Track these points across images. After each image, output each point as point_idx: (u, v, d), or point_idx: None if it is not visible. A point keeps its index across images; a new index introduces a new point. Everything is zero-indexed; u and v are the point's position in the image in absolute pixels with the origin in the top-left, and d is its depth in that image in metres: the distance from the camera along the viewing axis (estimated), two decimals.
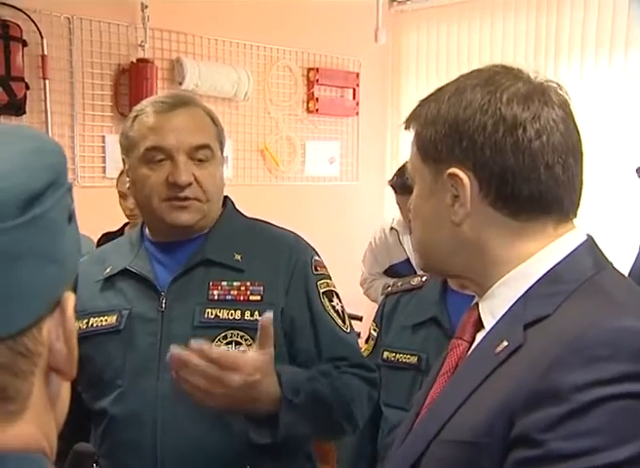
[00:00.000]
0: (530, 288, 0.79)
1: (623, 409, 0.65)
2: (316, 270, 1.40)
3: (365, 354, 1.63)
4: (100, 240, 2.60)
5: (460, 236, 0.82)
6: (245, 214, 1.48)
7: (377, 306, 1.76)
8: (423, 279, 1.63)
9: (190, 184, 1.30)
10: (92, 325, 1.33)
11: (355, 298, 3.10)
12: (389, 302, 1.66)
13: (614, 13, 3.56)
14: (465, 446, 0.74)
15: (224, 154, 1.41)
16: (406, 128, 0.88)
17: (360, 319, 3.30)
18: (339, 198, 4.26)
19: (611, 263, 0.82)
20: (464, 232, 0.82)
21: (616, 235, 3.36)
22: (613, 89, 3.59)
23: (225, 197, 1.43)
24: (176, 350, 1.09)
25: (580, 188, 0.83)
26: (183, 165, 1.29)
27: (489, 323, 0.83)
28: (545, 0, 3.79)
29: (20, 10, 2.95)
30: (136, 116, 1.33)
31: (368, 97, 4.31)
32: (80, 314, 1.31)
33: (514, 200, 0.79)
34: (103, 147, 3.29)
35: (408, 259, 3.03)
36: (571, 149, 0.81)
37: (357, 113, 4.28)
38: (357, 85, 4.24)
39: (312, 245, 1.46)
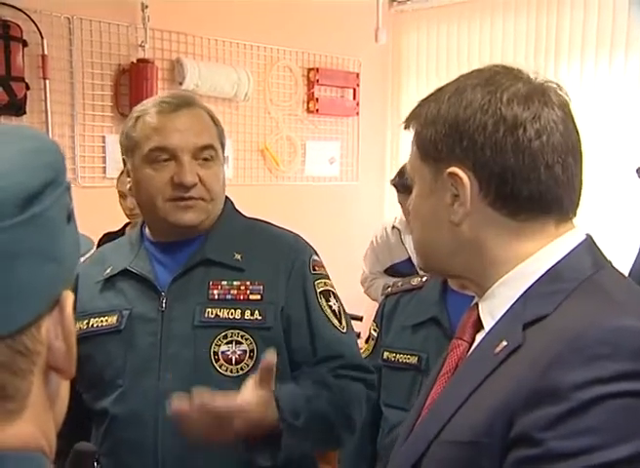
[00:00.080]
0: (529, 287, 0.79)
1: (623, 407, 0.65)
2: (314, 270, 1.40)
3: (365, 354, 1.63)
4: (101, 240, 2.60)
5: (460, 236, 0.82)
6: (245, 213, 1.48)
7: (377, 306, 1.76)
8: (423, 279, 1.63)
9: (195, 184, 1.30)
10: (92, 325, 1.34)
11: (355, 298, 3.09)
12: (389, 302, 1.67)
13: (614, 13, 3.56)
14: (465, 446, 0.74)
15: (225, 154, 1.42)
16: (405, 127, 0.88)
17: (360, 319, 3.30)
18: (339, 198, 4.26)
19: (610, 262, 0.82)
20: (464, 232, 0.82)
21: (616, 235, 3.36)
22: (613, 89, 3.59)
23: (225, 197, 1.43)
24: (176, 403, 1.09)
25: (580, 188, 0.83)
26: (188, 165, 1.30)
27: (488, 323, 0.83)
28: (545, 0, 3.79)
29: (20, 10, 2.95)
30: (138, 116, 1.33)
31: (368, 97, 4.32)
32: (80, 314, 1.32)
33: (514, 200, 0.79)
34: (104, 147, 3.29)
35: (409, 259, 3.03)
36: (570, 149, 0.81)
37: (357, 113, 4.28)
38: (357, 85, 4.25)
39: (312, 245, 1.47)
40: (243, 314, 1.31)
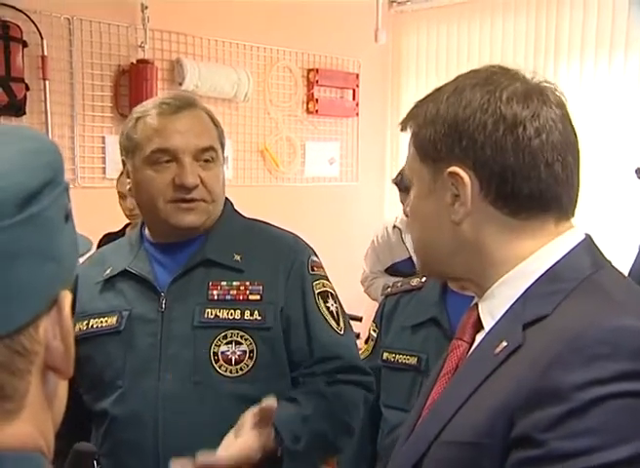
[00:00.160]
0: (529, 287, 0.79)
1: (623, 407, 0.65)
2: (312, 270, 1.40)
3: (365, 355, 1.63)
4: (101, 240, 2.60)
5: (460, 236, 0.82)
6: (245, 214, 1.48)
7: (376, 306, 1.76)
8: (423, 279, 1.62)
9: (196, 186, 1.31)
10: (92, 326, 1.34)
11: (355, 299, 3.10)
12: (389, 303, 1.66)
13: (613, 14, 3.56)
14: (466, 446, 0.74)
15: (225, 155, 1.42)
16: (402, 129, 0.88)
17: (360, 319, 3.30)
18: (338, 199, 4.26)
19: (609, 262, 0.82)
20: (464, 231, 0.82)
21: (615, 235, 3.37)
22: (612, 90, 3.60)
23: (224, 198, 1.43)
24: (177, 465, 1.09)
25: (578, 186, 0.83)
26: (190, 167, 1.30)
27: (488, 323, 0.83)
28: (545, 1, 3.79)
29: (20, 11, 2.95)
30: (138, 118, 1.33)
31: (368, 97, 4.32)
32: (80, 315, 1.32)
33: (514, 198, 0.79)
34: (103, 148, 3.29)
35: (410, 258, 3.03)
36: (569, 148, 0.81)
37: (357, 114, 4.28)
38: (357, 86, 4.25)
39: (312, 245, 1.47)
40: (243, 314, 1.31)
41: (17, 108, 2.97)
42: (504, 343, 0.75)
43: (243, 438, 1.12)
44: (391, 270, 3.22)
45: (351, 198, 4.33)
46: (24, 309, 0.48)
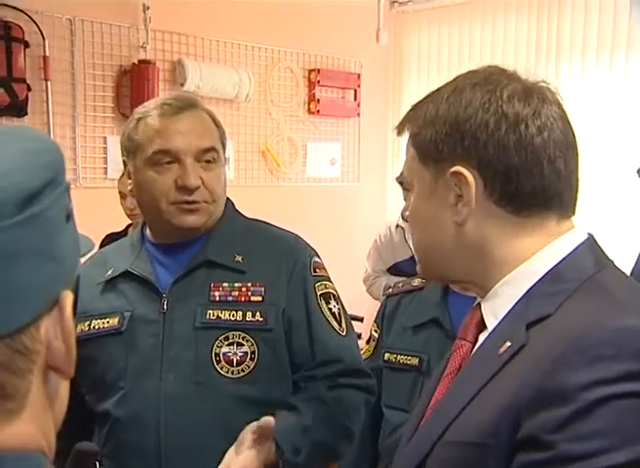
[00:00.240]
0: (532, 287, 0.79)
1: (629, 408, 0.65)
2: (315, 272, 1.40)
3: (366, 355, 1.63)
4: (104, 240, 2.61)
5: (462, 236, 0.82)
6: (246, 215, 1.48)
7: (378, 307, 1.76)
8: (424, 280, 1.62)
9: (198, 187, 1.31)
10: (94, 327, 1.34)
11: (356, 299, 3.10)
12: (390, 303, 1.66)
13: (615, 15, 3.56)
14: (470, 446, 0.73)
15: (226, 155, 1.42)
16: (399, 133, 0.87)
17: (361, 320, 3.30)
18: (340, 199, 4.26)
19: (612, 262, 0.82)
20: (467, 232, 0.82)
21: (616, 236, 3.36)
22: (614, 91, 3.59)
23: (226, 198, 1.43)
24: None
25: (577, 185, 0.83)
26: (192, 168, 1.30)
27: (491, 323, 0.82)
28: (546, 2, 3.79)
29: (21, 11, 2.96)
30: (140, 118, 1.32)
31: (369, 97, 4.32)
32: (82, 316, 1.32)
33: (517, 196, 0.79)
34: (105, 148, 3.30)
35: (412, 257, 3.03)
36: (569, 146, 0.81)
37: (358, 114, 4.28)
38: (358, 86, 4.25)
39: (313, 246, 1.47)
40: (244, 316, 1.31)
41: (18, 109, 2.98)
42: (508, 343, 0.75)
43: (244, 454, 1.13)
44: (394, 270, 3.22)
45: (353, 198, 4.33)
46: (25, 309, 0.48)
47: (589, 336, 0.68)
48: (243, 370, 1.30)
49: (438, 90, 0.85)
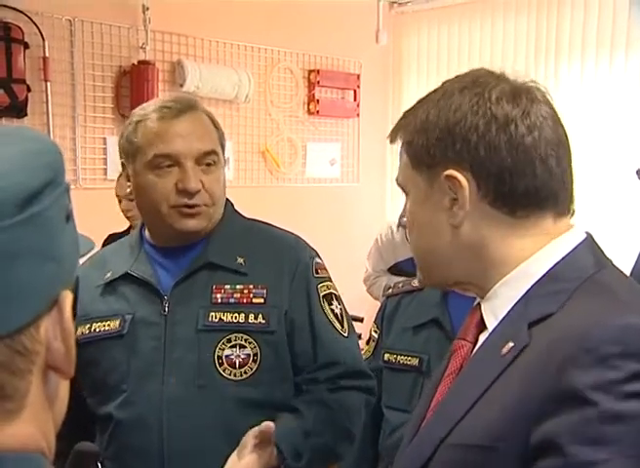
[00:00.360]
0: (531, 287, 0.79)
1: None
2: (317, 273, 1.40)
3: (366, 356, 1.63)
4: (106, 240, 2.61)
5: (460, 239, 0.82)
6: (245, 215, 1.48)
7: (378, 307, 1.76)
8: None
9: (199, 191, 1.30)
10: (94, 330, 1.33)
11: (356, 300, 3.10)
12: (390, 304, 1.66)
13: (614, 14, 3.56)
14: (476, 449, 0.73)
15: (225, 156, 1.42)
16: (392, 141, 0.88)
17: (361, 320, 3.30)
18: (339, 199, 4.26)
19: (610, 261, 0.82)
20: (464, 234, 0.82)
21: (616, 237, 3.36)
22: (613, 90, 3.59)
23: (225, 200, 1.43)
24: None
25: (572, 183, 0.83)
26: (192, 171, 1.29)
27: (491, 323, 0.82)
28: (546, 1, 3.79)
29: (21, 12, 2.96)
30: (139, 121, 1.31)
31: (369, 98, 4.32)
32: (82, 319, 1.31)
33: (512, 197, 0.80)
34: (105, 149, 3.30)
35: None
36: (561, 144, 0.82)
37: (358, 115, 4.28)
38: (358, 86, 4.25)
39: (313, 246, 1.46)
40: (247, 318, 1.31)
41: (18, 110, 2.98)
42: (511, 344, 0.75)
43: (245, 459, 1.13)
44: (394, 269, 3.23)
45: (352, 199, 4.33)
46: (25, 309, 0.48)
47: (595, 336, 0.67)
48: (245, 373, 1.30)
49: (427, 96, 0.86)
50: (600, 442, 0.64)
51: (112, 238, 2.58)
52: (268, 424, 1.12)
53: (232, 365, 1.29)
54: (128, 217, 2.70)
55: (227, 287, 1.33)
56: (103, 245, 2.31)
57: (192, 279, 1.34)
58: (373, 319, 1.73)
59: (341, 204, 4.27)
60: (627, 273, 0.89)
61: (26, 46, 2.97)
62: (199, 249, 1.36)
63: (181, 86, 3.42)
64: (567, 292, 0.76)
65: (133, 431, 1.28)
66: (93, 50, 3.23)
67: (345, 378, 1.36)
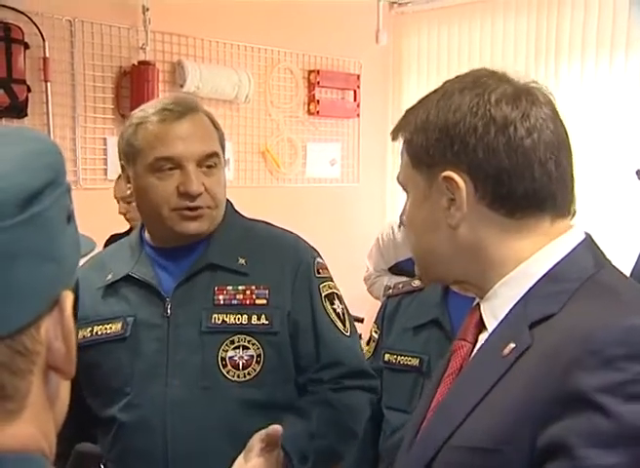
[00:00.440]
0: (532, 287, 0.79)
1: None
2: (318, 273, 1.40)
3: (366, 356, 1.63)
4: (109, 241, 2.61)
5: (458, 239, 0.82)
6: (245, 215, 1.48)
7: (378, 307, 1.76)
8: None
9: (201, 194, 1.30)
10: (96, 333, 1.33)
11: (356, 300, 3.09)
12: (390, 304, 1.66)
13: (614, 14, 3.56)
14: (479, 452, 0.73)
15: (226, 156, 1.41)
16: (394, 139, 0.88)
17: (361, 321, 3.30)
18: (340, 200, 4.26)
19: (609, 261, 0.82)
20: (461, 235, 0.82)
21: (615, 237, 3.36)
22: (613, 90, 3.59)
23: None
24: None
25: (572, 184, 0.83)
26: (194, 174, 1.28)
27: (491, 324, 0.82)
28: (546, 1, 3.79)
29: (21, 12, 2.96)
30: (139, 123, 1.30)
31: (369, 98, 4.32)
32: (83, 322, 1.31)
33: (510, 199, 0.79)
34: (105, 149, 3.30)
35: None
36: (561, 146, 0.81)
37: (358, 115, 4.28)
38: (358, 87, 4.25)
39: (313, 247, 1.47)
40: (250, 319, 1.31)
41: (18, 110, 2.98)
42: (513, 344, 0.75)
43: (252, 462, 1.13)
44: (395, 269, 3.24)
45: (352, 199, 4.33)
46: (25, 309, 0.48)
47: (600, 338, 0.67)
48: (249, 374, 1.30)
49: (428, 96, 0.85)
50: (609, 445, 0.64)
51: (114, 239, 2.58)
52: (275, 428, 1.11)
53: (236, 366, 1.29)
54: (127, 219, 2.70)
55: (229, 288, 1.33)
56: (105, 245, 2.31)
57: (194, 280, 1.33)
58: (373, 319, 1.73)
59: (341, 204, 4.27)
60: (627, 273, 0.89)
61: (26, 46, 2.97)
62: (200, 250, 1.36)
63: (182, 86, 3.43)
64: (568, 293, 0.76)
65: (136, 433, 1.28)
66: (93, 50, 3.23)
67: (349, 378, 1.36)
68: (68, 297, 0.52)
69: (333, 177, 4.26)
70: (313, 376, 1.35)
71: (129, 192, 1.38)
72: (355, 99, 4.26)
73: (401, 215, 0.92)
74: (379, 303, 2.16)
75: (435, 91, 0.85)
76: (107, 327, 1.32)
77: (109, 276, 1.36)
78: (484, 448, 0.72)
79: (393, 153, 4.52)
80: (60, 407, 0.54)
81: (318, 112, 4.06)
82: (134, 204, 1.57)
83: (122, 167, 1.37)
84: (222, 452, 1.17)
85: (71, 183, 0.54)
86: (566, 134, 0.83)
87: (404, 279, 1.76)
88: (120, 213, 2.72)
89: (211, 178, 1.31)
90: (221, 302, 1.31)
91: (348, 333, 1.40)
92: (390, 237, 3.29)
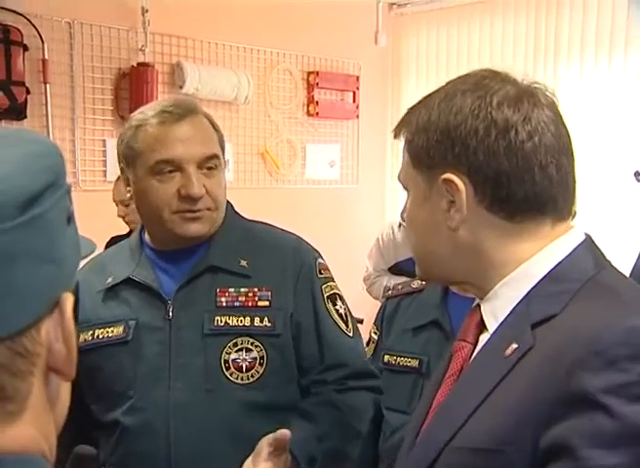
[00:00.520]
0: (532, 288, 0.79)
1: None
2: (320, 273, 1.40)
3: None
4: (109, 243, 2.61)
5: (457, 241, 0.82)
6: (245, 216, 1.47)
7: (377, 308, 1.76)
8: (424, 281, 1.62)
9: (202, 196, 1.29)
10: (97, 336, 1.32)
11: (356, 301, 3.09)
12: (390, 305, 1.66)
13: (613, 13, 3.57)
14: (482, 453, 0.73)
15: (225, 158, 1.40)
16: (395, 136, 0.88)
17: (361, 322, 3.30)
18: (339, 201, 4.26)
19: (609, 262, 0.82)
20: (461, 237, 0.82)
21: (614, 237, 3.36)
22: (612, 90, 3.60)
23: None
24: None
25: (574, 187, 0.83)
26: (195, 176, 1.28)
27: (491, 324, 0.82)
28: (545, 1, 3.80)
29: (20, 14, 2.96)
30: (139, 126, 1.30)
31: (368, 99, 4.32)
32: (84, 325, 1.30)
33: (509, 202, 0.79)
34: (104, 151, 3.30)
35: None
36: (562, 149, 0.81)
37: (357, 116, 4.28)
38: (357, 88, 4.25)
39: (315, 248, 1.47)
40: (252, 321, 1.30)
41: (18, 112, 2.98)
42: (515, 345, 0.75)
43: (260, 467, 1.13)
44: (395, 269, 3.24)
45: (352, 200, 4.33)
46: (26, 311, 0.48)
47: (603, 338, 0.67)
48: (252, 376, 1.29)
49: (430, 95, 0.85)
50: (612, 445, 0.64)
51: (115, 241, 2.58)
52: (284, 432, 1.10)
53: (239, 368, 1.29)
54: (126, 222, 2.70)
55: (231, 290, 1.32)
56: (106, 248, 2.31)
57: (195, 283, 1.33)
58: (372, 320, 1.73)
59: (341, 205, 4.27)
60: (627, 274, 0.89)
61: (26, 48, 2.97)
62: (201, 252, 1.35)
63: (181, 88, 3.43)
64: (569, 293, 0.76)
65: (140, 437, 1.27)
66: (92, 52, 3.23)
67: (353, 379, 1.36)
68: (69, 299, 0.52)
69: (332, 179, 4.26)
70: (317, 378, 1.35)
71: (128, 195, 1.38)
72: (354, 101, 4.26)
73: (402, 213, 0.92)
74: (378, 304, 2.16)
75: (437, 91, 0.85)
76: (109, 330, 1.32)
77: (110, 279, 1.36)
78: (486, 449, 0.72)
79: (392, 154, 4.52)
80: (60, 408, 0.54)
81: (317, 113, 4.06)
82: (133, 206, 1.56)
83: (121, 169, 1.36)
84: (225, 455, 1.17)
85: (71, 185, 0.54)
86: (568, 136, 0.83)
87: (404, 279, 1.76)
88: (119, 215, 2.72)
89: (211, 180, 1.31)
90: (224, 304, 1.31)
91: (351, 334, 1.40)
92: (390, 237, 3.29)
